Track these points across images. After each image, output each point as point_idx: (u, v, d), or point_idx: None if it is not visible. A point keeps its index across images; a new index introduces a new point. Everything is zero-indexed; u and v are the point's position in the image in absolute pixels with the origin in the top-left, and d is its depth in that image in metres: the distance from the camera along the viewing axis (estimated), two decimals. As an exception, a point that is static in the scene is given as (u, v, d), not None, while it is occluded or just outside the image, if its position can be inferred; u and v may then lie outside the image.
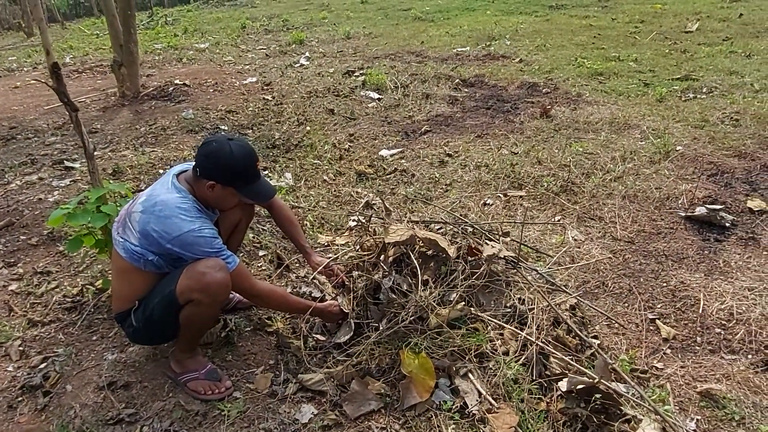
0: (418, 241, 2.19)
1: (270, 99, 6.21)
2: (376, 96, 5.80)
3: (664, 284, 2.44)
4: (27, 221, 3.63)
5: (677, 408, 1.80)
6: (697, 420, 1.75)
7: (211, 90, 6.85)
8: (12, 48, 14.20)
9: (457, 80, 6.11)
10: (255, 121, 5.36)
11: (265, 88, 6.83)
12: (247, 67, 8.10)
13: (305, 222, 3.25)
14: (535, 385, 1.83)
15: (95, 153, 4.62)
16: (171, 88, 6.80)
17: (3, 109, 7.00)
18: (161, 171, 4.34)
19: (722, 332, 2.13)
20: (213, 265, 1.84)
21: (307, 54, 8.50)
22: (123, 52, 6.41)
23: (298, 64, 7.94)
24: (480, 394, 1.85)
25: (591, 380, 1.68)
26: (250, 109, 5.82)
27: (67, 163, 4.68)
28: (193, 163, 1.97)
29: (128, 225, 1.93)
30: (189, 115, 5.61)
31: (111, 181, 4.17)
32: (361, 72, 6.80)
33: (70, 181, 4.30)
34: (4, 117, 6.59)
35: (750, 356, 2.01)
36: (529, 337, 1.92)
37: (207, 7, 23.04)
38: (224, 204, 2.05)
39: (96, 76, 8.99)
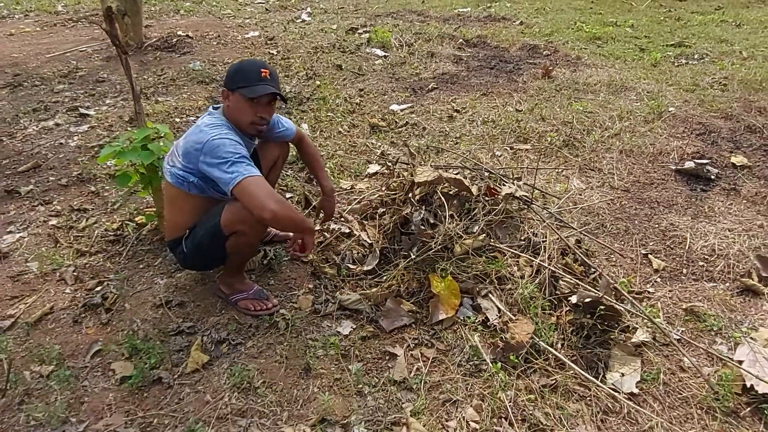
0: (444, 181, 2.44)
1: (275, 54, 6.32)
2: (382, 53, 5.95)
3: (656, 226, 2.74)
4: (53, 164, 3.80)
5: (666, 321, 2.11)
6: (683, 330, 2.07)
7: (215, 43, 6.92)
8: (-1, -5, 13.79)
9: (461, 40, 6.28)
10: (264, 75, 5.49)
11: (269, 42, 6.92)
12: (248, 21, 8.13)
13: (326, 169, 3.47)
14: (547, 302, 2.12)
15: (108, 101, 4.76)
16: (174, 40, 6.85)
17: (2, 56, 6.98)
18: (177, 120, 4.51)
19: (705, 264, 2.44)
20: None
21: (308, 9, 8.54)
22: (126, 1, 6.43)
23: (299, 20, 8.00)
24: (499, 310, 2.14)
25: (596, 295, 1.97)
26: (257, 63, 5.92)
27: (81, 110, 4.80)
28: None
29: (174, 153, 2.13)
30: (197, 67, 5.72)
31: (129, 128, 4.34)
32: (365, 29, 6.91)
33: (88, 127, 4.44)
34: (5, 64, 6.60)
35: (727, 284, 2.33)
36: (542, 263, 2.21)
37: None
38: (240, 115, 2.11)
39: (92, 25, 8.92)
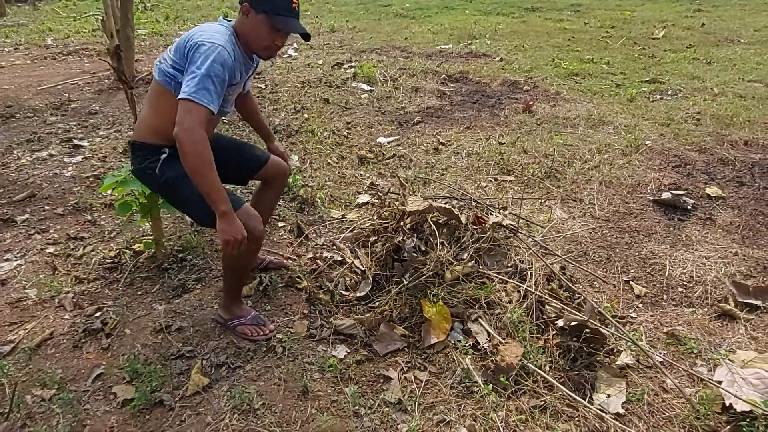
0: (434, 210, 2.55)
1: (264, 87, 6.47)
2: (368, 88, 6.13)
3: (636, 254, 2.87)
4: (48, 193, 3.85)
5: (649, 345, 2.22)
6: (664, 353, 2.17)
7: (205, 76, 7.05)
8: (-13, 28, 13.87)
9: (444, 75, 6.50)
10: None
11: (257, 76, 7.07)
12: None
13: (316, 199, 3.57)
14: (534, 326, 2.22)
15: (101, 132, 4.85)
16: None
17: (-6, 89, 7.05)
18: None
19: (684, 291, 2.57)
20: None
21: (295, 45, 8.75)
22: (120, 37, 6.56)
23: (286, 55, 8.19)
24: (489, 334, 2.23)
25: (582, 318, 2.08)
26: (247, 96, 6.06)
27: (75, 141, 4.87)
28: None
29: (168, 51, 2.02)
30: (188, 100, 5.83)
31: (122, 159, 4.42)
32: (350, 65, 7.11)
33: (82, 158, 4.50)
34: (-2, 96, 6.66)
35: (706, 309, 2.45)
36: (528, 289, 2.31)
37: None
38: (256, 38, 2.01)
39: (82, 59, 9.03)
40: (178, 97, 1.83)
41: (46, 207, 3.65)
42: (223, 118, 2.13)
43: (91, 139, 4.94)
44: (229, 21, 2.09)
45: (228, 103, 2.17)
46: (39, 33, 11.86)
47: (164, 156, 2.06)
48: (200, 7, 14.93)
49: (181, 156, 1.83)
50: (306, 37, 2.09)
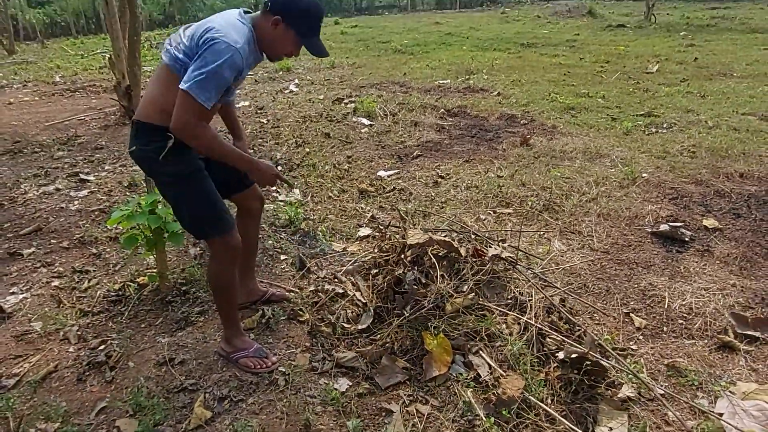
0: (434, 243, 2.59)
1: (266, 122, 6.60)
2: (368, 122, 6.25)
3: (636, 286, 2.90)
4: (54, 227, 3.90)
5: (650, 377, 2.23)
6: (666, 385, 2.18)
7: (208, 111, 7.18)
8: (-5, 65, 14.18)
9: (442, 110, 6.63)
10: (254, 142, 5.73)
11: (259, 111, 7.22)
12: (238, 91, 8.46)
13: (318, 232, 3.62)
14: (535, 358, 2.24)
15: (107, 167, 4.93)
16: (170, 109, 7.12)
17: (2, 124, 7.18)
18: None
19: (684, 323, 2.59)
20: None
21: (296, 81, 8.94)
22: (127, 74, 6.72)
23: (287, 90, 8.36)
24: (490, 366, 2.24)
25: (582, 351, 2.10)
26: (248, 131, 6.18)
27: (81, 176, 4.95)
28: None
29: (180, 36, 2.01)
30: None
31: (128, 194, 4.48)
32: (351, 100, 7.26)
33: (88, 192, 4.57)
34: (5, 132, 6.78)
35: (706, 341, 2.47)
36: (528, 321, 2.34)
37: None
38: (278, 47, 2.08)
39: (89, 95, 9.22)
40: (180, 85, 1.86)
41: (52, 240, 3.70)
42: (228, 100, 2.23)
43: (97, 174, 5.02)
44: (248, 14, 2.08)
45: (230, 93, 2.27)
46: (47, 70, 12.13)
47: (171, 143, 2.03)
48: (204, 43, 15.25)
49: (200, 149, 2.04)
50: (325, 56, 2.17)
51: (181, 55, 1.96)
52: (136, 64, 6.72)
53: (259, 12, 2.08)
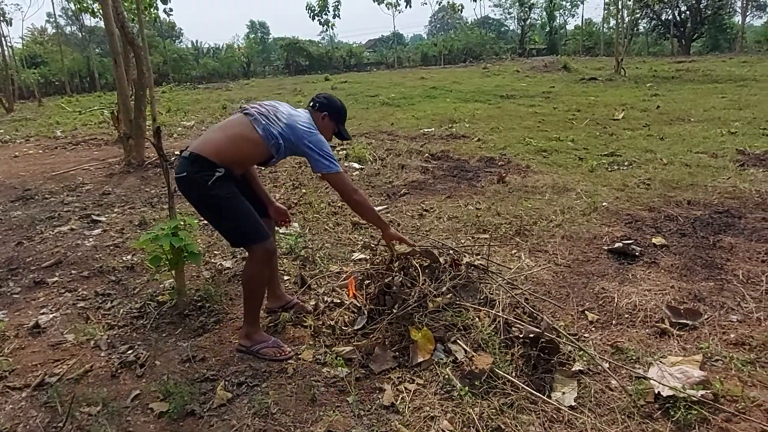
0: (418, 253, 3.05)
1: (263, 168, 7.11)
2: (359, 166, 6.80)
3: (591, 290, 3.36)
4: (73, 260, 4.31)
5: (597, 355, 2.67)
6: (610, 361, 2.62)
7: (208, 161, 7.70)
8: (-3, 123, 14.73)
9: (427, 154, 7.22)
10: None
11: (256, 159, 7.73)
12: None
13: (317, 258, 4.07)
14: (502, 343, 2.67)
15: (116, 209, 5.38)
16: (173, 158, 7.64)
17: (10, 175, 7.64)
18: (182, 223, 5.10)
19: (629, 316, 3.05)
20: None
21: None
22: (133, 126, 7.27)
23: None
24: (466, 351, 2.67)
25: (538, 330, 2.54)
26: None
27: (93, 217, 5.38)
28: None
29: (273, 118, 2.73)
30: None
31: (139, 231, 4.92)
32: (342, 147, 7.83)
33: (101, 231, 5.01)
34: (15, 182, 7.24)
35: (646, 329, 2.92)
36: (497, 314, 2.78)
37: (181, 89, 24.20)
38: (326, 132, 2.93)
39: (90, 147, 9.75)
40: (326, 172, 2.76)
41: (73, 271, 4.10)
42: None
43: (107, 215, 5.46)
44: (308, 111, 2.95)
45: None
46: (47, 126, 12.69)
47: (219, 174, 2.63)
48: (199, 100, 15.99)
49: (361, 214, 3.04)
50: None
51: (276, 132, 2.69)
52: (141, 116, 7.30)
53: (308, 109, 2.99)
